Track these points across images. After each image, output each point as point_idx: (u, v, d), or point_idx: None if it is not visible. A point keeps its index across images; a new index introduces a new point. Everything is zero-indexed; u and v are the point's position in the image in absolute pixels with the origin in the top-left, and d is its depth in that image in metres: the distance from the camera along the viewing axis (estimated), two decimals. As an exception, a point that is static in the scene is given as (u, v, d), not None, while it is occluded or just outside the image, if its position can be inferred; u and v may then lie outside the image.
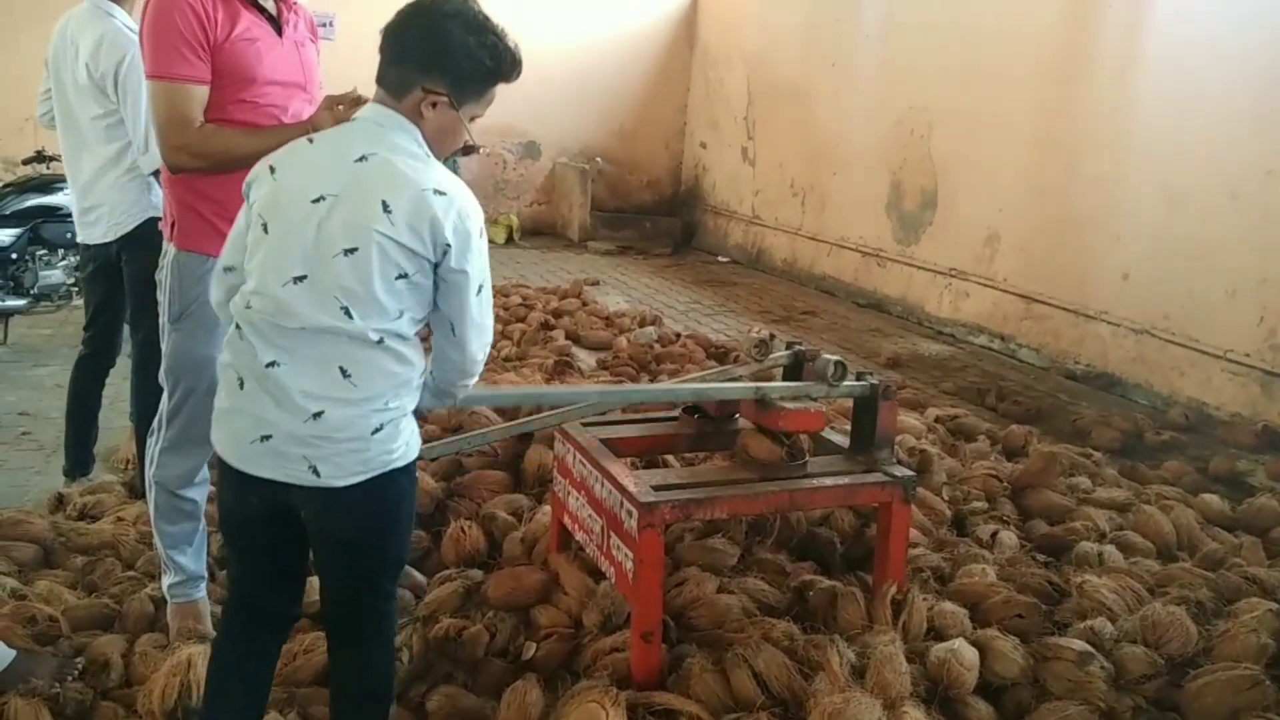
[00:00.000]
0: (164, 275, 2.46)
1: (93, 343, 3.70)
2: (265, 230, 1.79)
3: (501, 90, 1.94)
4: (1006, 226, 6.78)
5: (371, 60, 1.88)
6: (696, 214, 11.16)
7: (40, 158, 5.94)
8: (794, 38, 9.34)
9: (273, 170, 1.84)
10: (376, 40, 1.87)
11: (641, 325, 6.36)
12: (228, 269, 1.92)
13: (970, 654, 2.33)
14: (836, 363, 2.65)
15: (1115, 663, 2.37)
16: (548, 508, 3.10)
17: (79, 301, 4.11)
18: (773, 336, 3.05)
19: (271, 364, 1.76)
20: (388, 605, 1.99)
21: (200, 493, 2.64)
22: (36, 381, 4.95)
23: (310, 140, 1.88)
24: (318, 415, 1.74)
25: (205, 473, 2.63)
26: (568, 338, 5.92)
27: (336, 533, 1.86)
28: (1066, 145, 6.22)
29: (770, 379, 2.96)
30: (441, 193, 1.75)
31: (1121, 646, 2.43)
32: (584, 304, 6.91)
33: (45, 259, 5.70)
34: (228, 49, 2.32)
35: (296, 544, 1.93)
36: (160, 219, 3.23)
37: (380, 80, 1.85)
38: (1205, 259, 5.27)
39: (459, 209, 1.76)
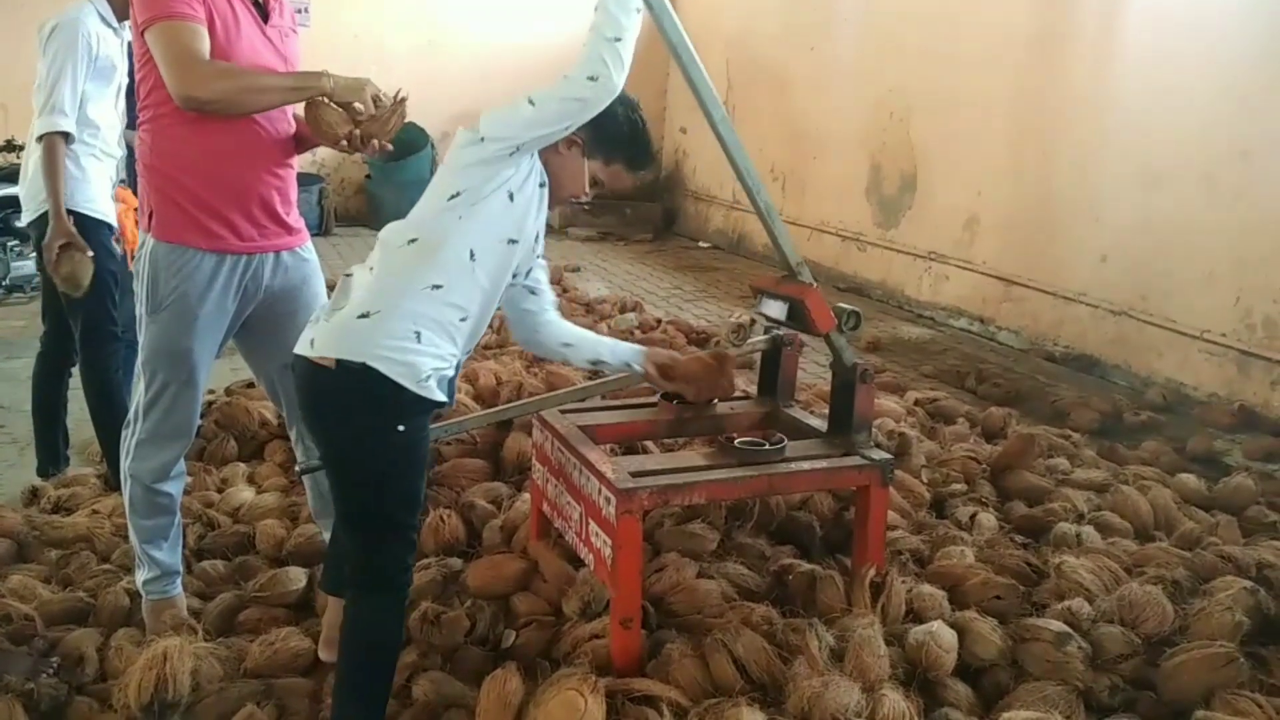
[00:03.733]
0: (141, 266, 2.42)
1: (49, 337, 3.65)
2: None
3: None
4: (986, 210, 6.79)
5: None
6: (677, 199, 11.13)
7: (9, 146, 5.88)
8: (773, 22, 9.30)
9: None
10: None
11: (622, 312, 6.33)
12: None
13: (949, 636, 2.34)
14: (851, 311, 2.65)
15: (1093, 643, 2.38)
16: (527, 496, 3.09)
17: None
18: (752, 322, 3.05)
19: None
20: (399, 562, 2.05)
21: (176, 486, 2.61)
22: (10, 374, 4.89)
23: None
24: None
25: (181, 465, 2.60)
26: (548, 324, 5.88)
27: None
28: (1044, 128, 6.23)
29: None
30: None
31: (1099, 627, 2.44)
32: (564, 290, 6.88)
33: (17, 249, 5.64)
34: (213, 21, 2.29)
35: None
36: (71, 210, 3.25)
37: None
38: (1182, 241, 5.29)
39: None
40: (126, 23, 3.44)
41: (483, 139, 1.96)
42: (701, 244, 10.28)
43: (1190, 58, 5.22)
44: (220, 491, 3.40)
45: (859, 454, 2.58)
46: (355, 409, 1.94)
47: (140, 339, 2.49)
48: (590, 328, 5.75)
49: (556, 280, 7.18)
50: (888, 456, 2.60)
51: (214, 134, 2.34)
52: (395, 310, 1.92)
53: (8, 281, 5.59)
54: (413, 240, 1.97)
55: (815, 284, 2.64)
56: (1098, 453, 4.07)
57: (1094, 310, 5.87)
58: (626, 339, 5.38)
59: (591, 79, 1.93)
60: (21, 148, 5.70)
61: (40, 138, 3.20)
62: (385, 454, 1.97)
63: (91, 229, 3.36)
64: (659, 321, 6.13)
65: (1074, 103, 5.98)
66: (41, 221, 3.33)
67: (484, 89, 10.11)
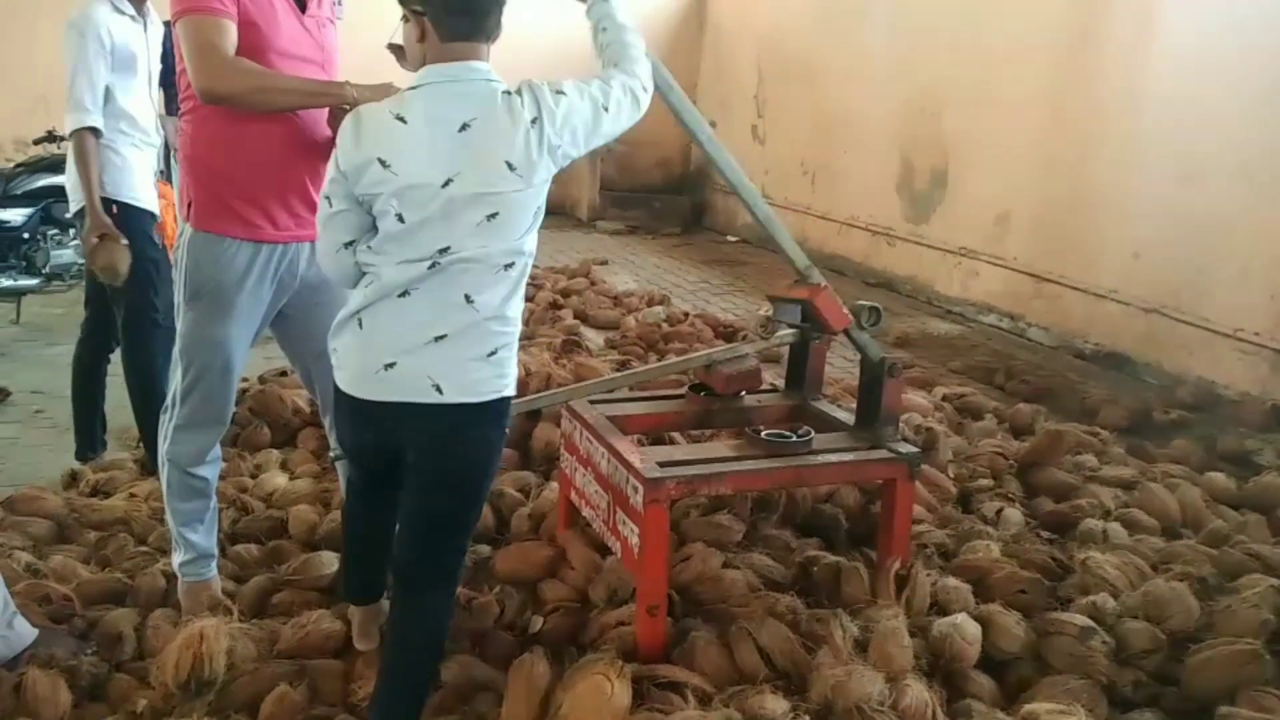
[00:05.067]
0: (180, 254, 2.48)
1: (90, 324, 3.74)
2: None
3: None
4: (1017, 205, 6.75)
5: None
6: (706, 193, 11.13)
7: (51, 138, 5.97)
8: (805, 16, 9.27)
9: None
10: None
11: (650, 305, 6.37)
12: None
13: (973, 628, 2.35)
14: (871, 308, 2.67)
15: (1117, 638, 2.38)
16: (555, 484, 3.13)
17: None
18: (770, 320, 3.06)
19: None
20: (462, 557, 2.14)
21: (212, 470, 2.66)
22: (50, 361, 4.99)
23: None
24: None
25: (217, 450, 2.66)
26: (576, 317, 5.94)
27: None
28: (1077, 123, 6.18)
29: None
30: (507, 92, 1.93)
31: (1123, 622, 2.44)
32: (592, 283, 6.92)
33: (57, 239, 5.75)
34: (249, 11, 2.33)
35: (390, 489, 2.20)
36: (113, 200, 3.33)
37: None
38: (1216, 238, 5.24)
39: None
40: (150, 9, 3.51)
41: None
42: (730, 238, 10.28)
43: (1228, 55, 5.16)
44: (254, 477, 3.46)
45: (886, 447, 2.59)
46: (494, 435, 2.05)
47: (178, 326, 2.54)
48: (618, 321, 5.86)
49: (585, 273, 7.22)
50: (915, 450, 2.61)
51: (253, 125, 2.38)
52: (510, 340, 1.99)
53: (47, 270, 5.70)
54: (510, 265, 1.95)
55: (825, 284, 2.65)
56: (1126, 450, 4.05)
57: (1125, 308, 5.83)
58: (654, 333, 5.44)
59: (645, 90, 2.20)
60: (62, 138, 5.81)
61: (71, 134, 3.28)
62: (496, 462, 2.11)
63: (134, 217, 3.43)
64: (686, 314, 6.15)
65: (1108, 98, 5.93)
66: (84, 213, 3.41)
67: (516, 75, 10.20)
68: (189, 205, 2.48)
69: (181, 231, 2.52)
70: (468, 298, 1.91)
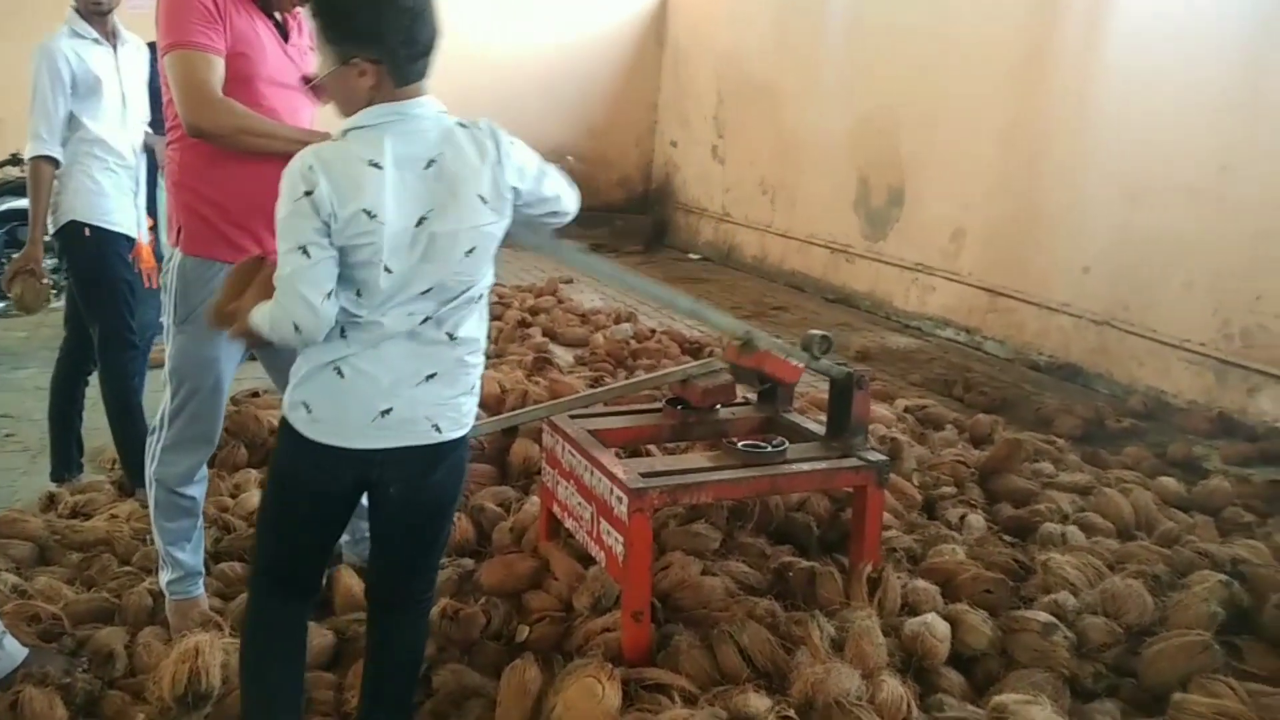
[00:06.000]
0: (169, 279, 2.53)
1: (68, 345, 3.77)
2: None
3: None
4: (971, 222, 6.95)
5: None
6: (667, 211, 11.28)
7: (15, 160, 5.95)
8: (762, 37, 9.47)
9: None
10: None
11: (617, 322, 6.46)
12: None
13: (942, 627, 2.47)
14: (823, 336, 2.78)
15: (1078, 633, 2.51)
16: (535, 498, 3.21)
17: (56, 304, 4.18)
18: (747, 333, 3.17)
19: None
20: (437, 574, 2.20)
21: (199, 490, 2.71)
22: (16, 384, 4.97)
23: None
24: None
25: (204, 470, 2.70)
26: (545, 335, 6.01)
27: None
28: (1028, 142, 6.40)
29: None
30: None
31: (1083, 618, 2.57)
32: (559, 301, 7.00)
33: (22, 262, 5.71)
34: (236, 42, 2.39)
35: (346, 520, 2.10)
36: (86, 224, 3.39)
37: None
38: (1163, 253, 5.45)
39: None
40: (121, 30, 3.55)
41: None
42: (692, 256, 10.42)
43: (1171, 74, 5.39)
44: (234, 497, 3.49)
45: (857, 456, 2.71)
46: (466, 456, 2.09)
47: (167, 349, 2.59)
48: (586, 339, 5.94)
49: (551, 291, 7.29)
50: (884, 458, 2.73)
51: (239, 152, 2.44)
52: (481, 367, 2.03)
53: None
54: (481, 296, 1.98)
55: (762, 347, 2.71)
56: (1081, 458, 4.22)
57: (1077, 320, 6.03)
58: (622, 350, 5.53)
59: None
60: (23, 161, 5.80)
61: (28, 161, 3.38)
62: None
63: (108, 241, 3.48)
64: (653, 331, 6.25)
65: (1058, 118, 6.16)
66: (59, 234, 3.45)
67: (478, 94, 10.27)
68: (178, 230, 2.54)
69: (170, 256, 2.57)
70: (450, 335, 1.91)
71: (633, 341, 5.87)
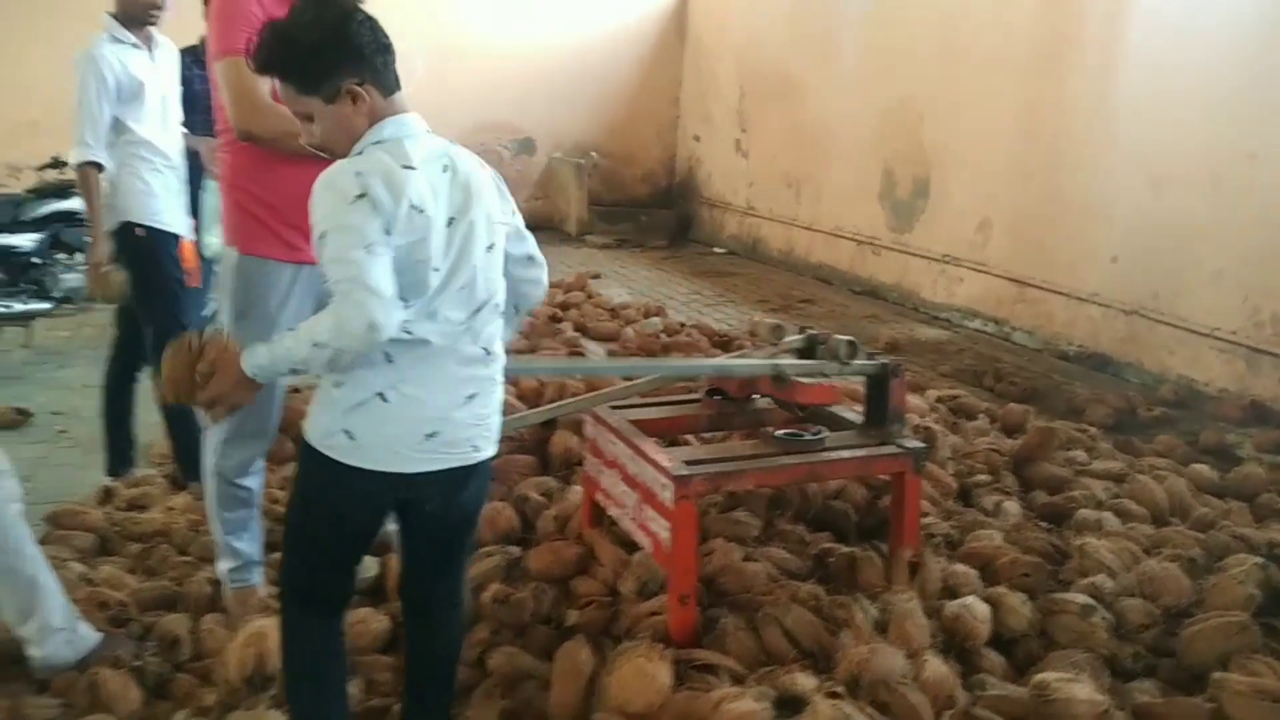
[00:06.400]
0: (226, 278, 2.62)
1: (119, 344, 3.88)
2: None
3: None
4: (998, 212, 6.97)
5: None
6: (692, 206, 11.33)
7: (56, 164, 6.08)
8: (783, 30, 9.51)
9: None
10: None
11: (646, 316, 6.53)
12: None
13: (983, 609, 2.52)
14: (848, 342, 2.84)
15: (1116, 614, 2.57)
16: (577, 488, 3.28)
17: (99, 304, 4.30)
18: (778, 326, 3.25)
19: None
20: (467, 572, 2.25)
21: (256, 481, 2.80)
22: (64, 382, 5.10)
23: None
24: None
25: (261, 463, 2.80)
26: (575, 329, 6.08)
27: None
28: (1053, 131, 6.41)
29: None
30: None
31: (1121, 600, 2.63)
32: (589, 296, 7.08)
33: (66, 263, 5.85)
34: None
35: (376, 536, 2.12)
36: (138, 224, 3.49)
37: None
38: (1191, 240, 5.46)
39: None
40: (156, 35, 3.64)
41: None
42: (717, 250, 10.47)
43: (1195, 62, 5.39)
44: (283, 489, 3.58)
45: (894, 443, 2.76)
46: (491, 471, 2.13)
47: None
48: (617, 333, 6.01)
49: (581, 286, 7.37)
50: (920, 445, 2.79)
51: (287, 155, 2.53)
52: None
53: (57, 293, 5.81)
54: (500, 303, 2.00)
55: (789, 380, 2.81)
56: (1114, 446, 4.24)
57: (1106, 310, 6.04)
58: (654, 343, 5.60)
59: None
60: (65, 164, 5.94)
61: (76, 169, 3.49)
62: None
63: (160, 241, 3.58)
64: (683, 325, 6.32)
65: (1082, 106, 6.16)
66: (114, 236, 3.55)
67: (502, 92, 10.34)
68: (234, 230, 2.63)
69: (227, 256, 2.66)
70: (486, 350, 1.95)
71: (663, 335, 5.93)
